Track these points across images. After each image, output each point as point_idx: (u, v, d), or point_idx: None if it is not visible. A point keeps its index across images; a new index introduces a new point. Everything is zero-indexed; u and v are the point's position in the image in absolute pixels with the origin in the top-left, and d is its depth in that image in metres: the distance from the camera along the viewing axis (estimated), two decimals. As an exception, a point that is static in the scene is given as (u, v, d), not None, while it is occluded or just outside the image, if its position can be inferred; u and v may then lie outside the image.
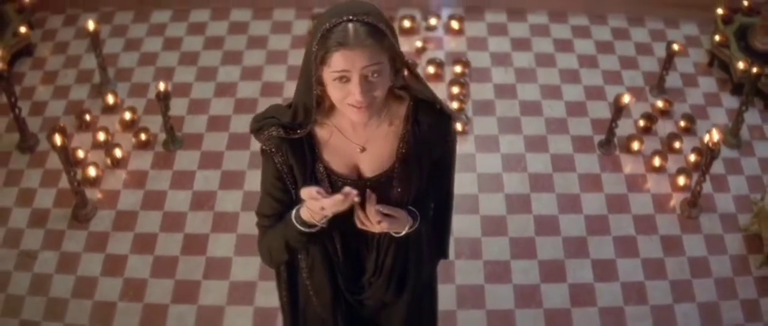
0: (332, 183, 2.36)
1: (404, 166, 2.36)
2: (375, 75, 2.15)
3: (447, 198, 2.67)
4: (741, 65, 4.51)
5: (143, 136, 4.48)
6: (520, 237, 4.16)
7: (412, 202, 2.43)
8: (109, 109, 4.66)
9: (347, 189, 2.17)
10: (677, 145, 4.45)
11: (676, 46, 4.50)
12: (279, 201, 2.40)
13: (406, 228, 2.41)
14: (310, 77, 2.20)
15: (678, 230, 4.17)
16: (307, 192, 2.20)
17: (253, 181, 4.31)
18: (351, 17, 2.11)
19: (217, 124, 4.66)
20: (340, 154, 2.35)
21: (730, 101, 4.71)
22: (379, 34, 2.13)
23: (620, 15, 5.27)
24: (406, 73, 2.30)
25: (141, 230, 4.16)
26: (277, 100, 4.59)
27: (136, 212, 4.23)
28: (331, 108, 2.31)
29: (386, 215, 2.33)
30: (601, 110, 4.72)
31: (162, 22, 5.21)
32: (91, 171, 4.28)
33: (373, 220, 2.32)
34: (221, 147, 4.54)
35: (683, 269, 4.03)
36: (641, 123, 4.58)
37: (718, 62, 4.83)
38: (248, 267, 4.03)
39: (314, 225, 2.29)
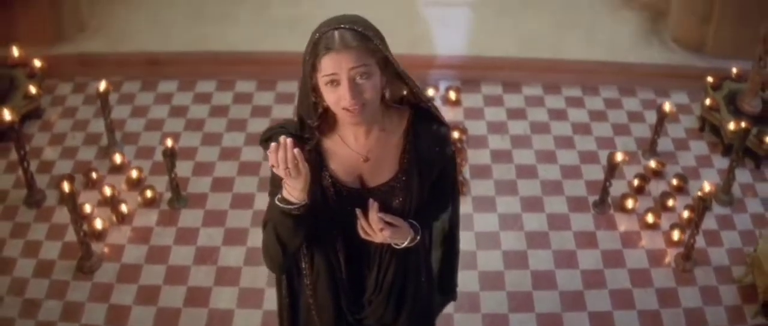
0: (337, 192, 2.51)
1: (405, 176, 2.51)
2: (363, 77, 2.31)
3: (453, 222, 2.84)
4: (731, 126, 4.71)
5: (149, 193, 4.63)
6: (517, 291, 4.27)
7: (414, 215, 2.57)
8: (115, 169, 4.83)
9: (282, 138, 2.27)
10: (670, 202, 4.61)
11: (667, 106, 4.71)
12: None
13: (408, 241, 2.55)
14: (306, 86, 2.39)
15: (673, 282, 4.29)
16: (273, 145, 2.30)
17: (256, 238, 4.35)
18: (337, 25, 2.31)
19: (222, 184, 4.82)
20: (344, 164, 2.51)
21: (722, 162, 4.89)
22: (365, 38, 2.31)
23: (612, 86, 5.51)
24: (405, 90, 2.49)
25: (145, 282, 4.27)
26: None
27: (140, 265, 4.35)
28: (335, 120, 2.48)
29: (388, 223, 2.47)
30: (595, 172, 4.89)
31: (169, 91, 5.44)
32: (98, 224, 4.42)
33: (376, 228, 2.46)
34: (225, 206, 4.69)
35: (679, 320, 4.12)
36: (635, 182, 4.75)
37: (709, 127, 5.05)
38: (250, 319, 4.12)
39: (292, 203, 2.37)
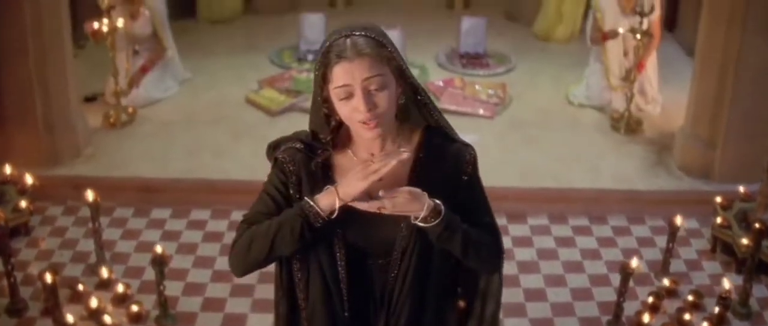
0: (344, 209, 2.36)
1: None
2: (378, 88, 2.25)
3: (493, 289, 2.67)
4: (744, 240, 4.67)
5: (135, 308, 4.51)
6: None
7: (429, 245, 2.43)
8: (102, 285, 4.72)
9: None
10: (687, 316, 4.48)
11: (678, 220, 4.70)
12: (275, 202, 2.44)
13: (426, 210, 2.31)
14: (317, 99, 2.35)
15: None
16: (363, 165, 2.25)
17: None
18: (349, 33, 2.26)
19: (213, 305, 4.70)
20: None
21: (736, 280, 4.79)
22: (379, 45, 2.26)
23: (620, 215, 5.50)
24: (417, 97, 2.42)
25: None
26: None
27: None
28: (349, 134, 2.42)
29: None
30: (607, 294, 4.79)
31: (162, 217, 5.42)
32: (80, 329, 4.29)
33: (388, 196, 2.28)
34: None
35: None
36: (649, 300, 4.65)
37: (721, 246, 5.01)
38: None
39: (321, 209, 2.30)
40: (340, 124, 2.40)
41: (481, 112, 6.51)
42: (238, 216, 5.43)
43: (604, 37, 6.39)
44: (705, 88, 5.45)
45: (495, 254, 2.56)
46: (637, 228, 5.40)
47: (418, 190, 2.31)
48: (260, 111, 6.52)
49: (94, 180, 5.28)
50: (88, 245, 5.00)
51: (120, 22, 5.97)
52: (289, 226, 2.35)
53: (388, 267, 2.50)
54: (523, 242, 5.29)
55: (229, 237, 5.23)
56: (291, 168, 2.43)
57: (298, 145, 2.44)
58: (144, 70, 6.51)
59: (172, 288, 4.71)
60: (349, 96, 2.25)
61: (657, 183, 5.64)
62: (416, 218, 2.33)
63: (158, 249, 4.36)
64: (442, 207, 2.34)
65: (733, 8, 5.13)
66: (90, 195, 4.68)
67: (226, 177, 5.61)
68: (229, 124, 6.31)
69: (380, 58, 2.25)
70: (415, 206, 2.30)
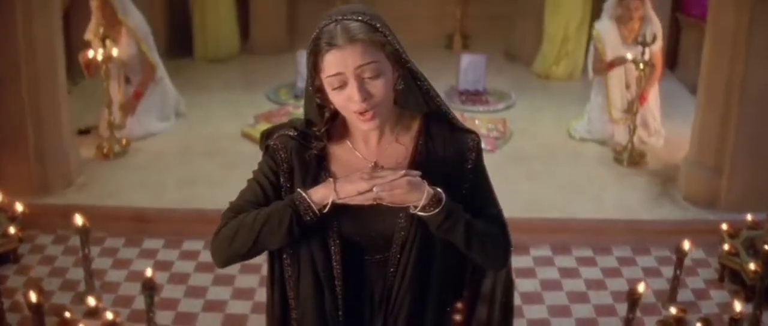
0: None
1: None
2: (372, 75, 2.14)
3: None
4: (752, 266, 4.58)
5: (125, 335, 4.40)
6: None
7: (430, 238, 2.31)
8: (90, 313, 4.60)
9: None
10: (697, 343, 4.37)
11: (686, 245, 4.60)
12: (263, 190, 2.35)
13: (425, 198, 2.19)
14: (310, 88, 2.26)
15: None
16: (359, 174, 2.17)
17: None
18: (339, 17, 2.15)
19: (204, 335, 4.60)
20: (351, 170, 2.29)
21: (746, 308, 4.68)
22: (371, 29, 2.14)
23: (625, 246, 5.40)
24: (417, 83, 2.32)
25: None
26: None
27: None
28: (345, 124, 2.32)
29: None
30: (613, 324, 4.68)
31: (154, 248, 5.32)
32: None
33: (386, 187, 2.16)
34: (207, 356, 4.45)
35: None
36: (657, 329, 4.55)
37: (729, 274, 4.91)
38: None
39: (310, 212, 2.20)
40: (336, 114, 2.30)
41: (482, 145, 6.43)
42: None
43: (609, 65, 6.35)
44: (710, 115, 5.40)
45: (502, 247, 2.43)
46: (642, 259, 5.29)
47: (416, 177, 2.20)
48: (255, 144, 6.42)
49: (85, 209, 5.18)
50: (77, 274, 4.89)
51: (115, 51, 5.94)
52: (278, 218, 2.24)
53: (385, 263, 2.37)
54: (526, 273, 5.17)
55: (223, 267, 5.14)
56: (282, 155, 2.32)
57: (291, 133, 2.34)
58: (137, 95, 6.45)
59: (163, 318, 4.60)
60: (343, 85, 2.15)
61: (662, 213, 5.56)
62: (415, 207, 2.21)
63: (148, 272, 4.26)
64: (443, 195, 2.23)
65: (736, 34, 5.09)
66: (79, 219, 4.58)
67: (220, 207, 5.51)
68: (224, 156, 6.24)
69: (374, 44, 2.14)
70: (414, 196, 2.19)
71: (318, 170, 2.31)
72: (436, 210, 2.22)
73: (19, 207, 4.98)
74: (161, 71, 6.70)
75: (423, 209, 2.22)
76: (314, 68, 2.20)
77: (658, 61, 6.32)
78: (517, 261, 5.27)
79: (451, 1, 9.08)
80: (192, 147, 6.42)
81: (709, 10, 5.43)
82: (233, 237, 2.31)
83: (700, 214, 5.47)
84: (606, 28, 6.39)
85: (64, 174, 5.62)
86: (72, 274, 4.97)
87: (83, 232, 4.61)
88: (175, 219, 5.46)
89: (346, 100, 2.17)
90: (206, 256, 5.25)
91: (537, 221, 5.51)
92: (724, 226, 5.00)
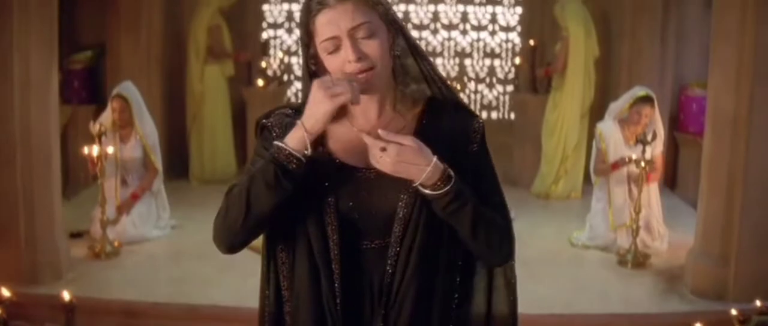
0: (337, 168, 2.25)
1: None
2: (366, 35, 2.14)
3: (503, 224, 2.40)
4: (766, 347, 4.48)
5: None
6: None
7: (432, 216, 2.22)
8: (74, 395, 4.47)
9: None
10: None
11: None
12: None
13: (427, 172, 2.12)
14: (305, 57, 2.24)
15: None
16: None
17: None
18: None
19: None
20: (350, 145, 2.25)
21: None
22: None
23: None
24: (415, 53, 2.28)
25: None
26: None
27: None
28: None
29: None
30: None
31: (144, 341, 5.22)
32: None
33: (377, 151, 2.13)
34: None
35: None
36: None
37: (743, 359, 4.77)
38: None
39: (292, 160, 2.14)
40: None
41: (486, 252, 6.42)
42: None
43: (613, 166, 6.41)
44: (713, 204, 5.41)
45: (507, 239, 2.38)
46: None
47: (421, 144, 2.14)
48: (249, 249, 6.40)
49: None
50: (63, 358, 4.76)
51: (110, 149, 6.00)
52: (262, 176, 2.16)
53: (386, 250, 2.26)
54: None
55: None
56: (277, 131, 2.27)
57: (287, 111, 2.32)
58: (134, 197, 6.48)
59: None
60: (337, 49, 2.15)
61: (669, 307, 5.47)
62: (423, 187, 2.15)
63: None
64: (452, 172, 2.16)
65: (736, 117, 5.17)
66: (66, 295, 4.51)
67: (215, 303, 5.44)
68: (217, 258, 6.08)
69: (365, 3, 2.16)
70: (420, 159, 2.11)
71: (315, 147, 2.21)
72: (446, 188, 2.15)
73: (5, 292, 4.89)
74: (160, 182, 6.76)
75: (431, 186, 2.15)
76: (307, 34, 2.20)
77: (659, 164, 6.39)
78: (522, 357, 5.16)
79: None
80: (184, 250, 6.38)
81: (708, 95, 5.53)
82: (226, 212, 2.26)
83: (709, 306, 5.38)
84: (609, 128, 6.47)
85: (53, 265, 5.56)
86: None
87: (70, 309, 4.52)
88: (165, 314, 5.35)
89: (341, 63, 2.16)
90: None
91: (542, 317, 5.40)
92: (734, 311, 4.92)
